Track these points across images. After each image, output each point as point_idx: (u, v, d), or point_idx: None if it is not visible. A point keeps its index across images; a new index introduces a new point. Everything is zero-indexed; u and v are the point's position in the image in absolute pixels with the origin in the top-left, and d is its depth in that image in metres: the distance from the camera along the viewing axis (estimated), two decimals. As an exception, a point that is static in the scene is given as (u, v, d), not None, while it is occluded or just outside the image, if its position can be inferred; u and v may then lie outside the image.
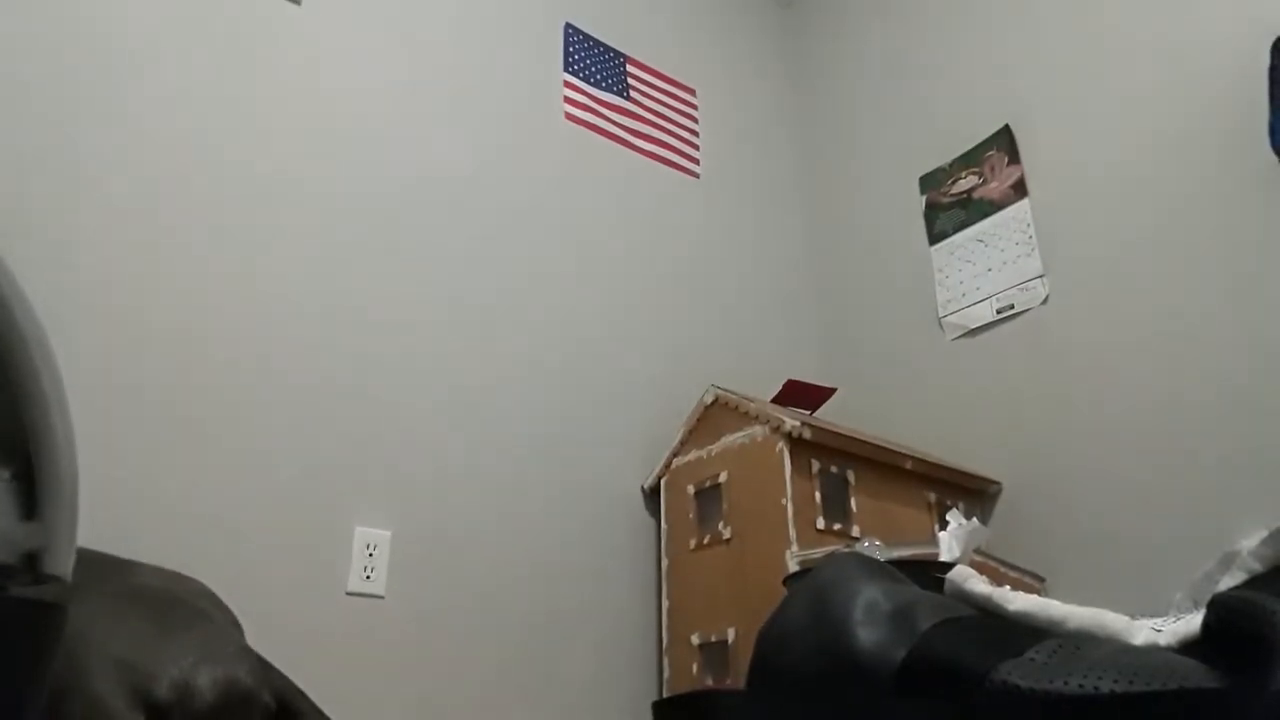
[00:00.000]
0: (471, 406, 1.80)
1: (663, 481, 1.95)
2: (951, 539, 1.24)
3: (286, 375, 1.57)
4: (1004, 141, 2.21)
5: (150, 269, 1.49)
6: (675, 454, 1.93)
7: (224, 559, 1.40)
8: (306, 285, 1.66)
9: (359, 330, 1.70)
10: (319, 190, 1.74)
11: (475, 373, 1.83)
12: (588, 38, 2.37)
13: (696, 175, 2.48)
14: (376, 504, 1.60)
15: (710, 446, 1.84)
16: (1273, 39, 1.60)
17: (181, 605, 0.90)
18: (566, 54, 2.31)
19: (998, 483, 1.99)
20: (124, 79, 1.56)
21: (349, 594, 1.51)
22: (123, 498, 1.34)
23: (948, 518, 1.31)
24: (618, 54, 2.43)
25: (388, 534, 1.59)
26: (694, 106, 2.56)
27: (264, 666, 0.88)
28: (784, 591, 1.14)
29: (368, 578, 1.54)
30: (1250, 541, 0.64)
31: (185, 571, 1.09)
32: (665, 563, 1.88)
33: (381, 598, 1.55)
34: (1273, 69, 1.59)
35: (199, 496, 1.42)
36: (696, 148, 2.51)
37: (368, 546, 1.56)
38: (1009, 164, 2.18)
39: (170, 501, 1.39)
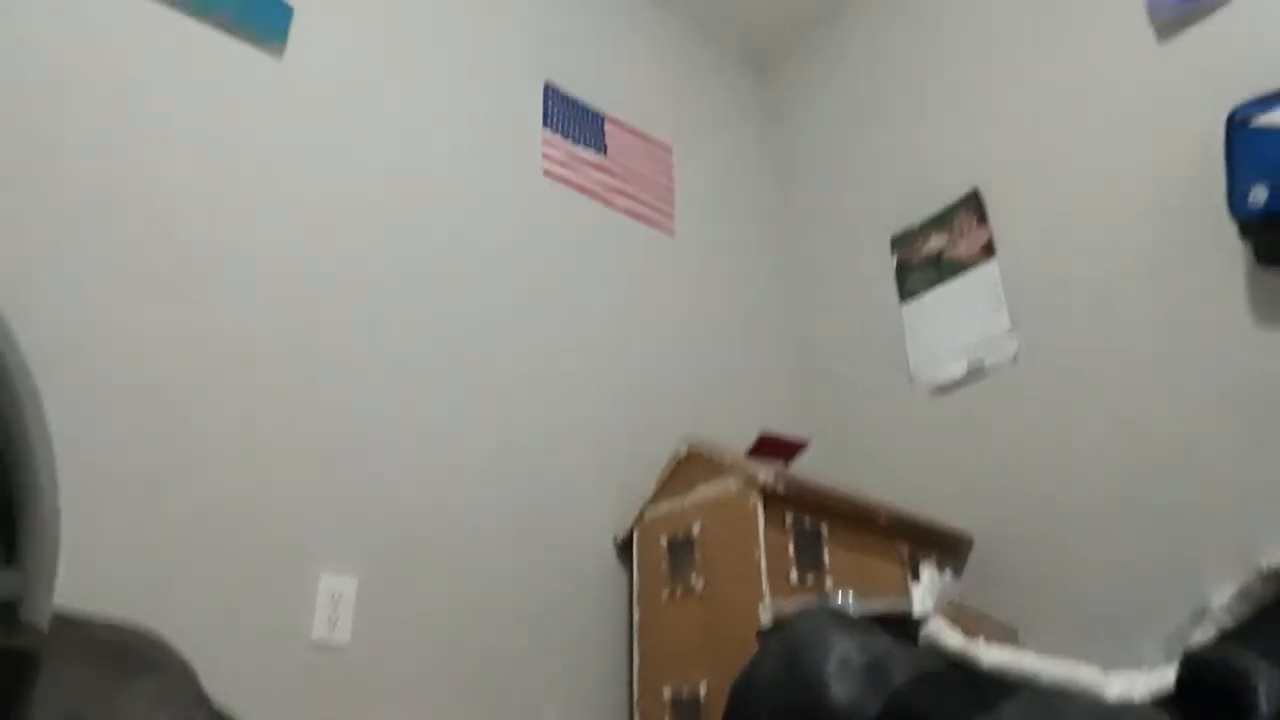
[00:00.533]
0: (441, 456, 1.78)
1: (635, 533, 1.93)
2: (924, 593, 1.24)
3: (251, 422, 1.55)
4: (973, 204, 2.27)
5: (110, 319, 1.47)
6: (648, 505, 1.92)
7: (186, 609, 1.36)
8: (272, 333, 1.64)
9: (326, 379, 1.68)
10: (290, 240, 1.74)
11: (445, 423, 1.82)
12: (565, 97, 2.41)
13: (671, 231, 2.51)
14: (342, 552, 1.58)
15: (683, 498, 1.83)
16: (1228, 112, 1.67)
17: (135, 654, 0.88)
18: (546, 111, 2.35)
19: (970, 537, 2.00)
20: (109, 131, 1.56)
21: (313, 643, 1.48)
22: (84, 549, 1.31)
23: (920, 571, 1.32)
24: (595, 113, 2.47)
25: (354, 581, 1.56)
26: (669, 164, 2.61)
27: (222, 717, 0.86)
28: (757, 645, 1.13)
29: (333, 627, 1.51)
30: (1220, 597, 0.65)
31: (146, 621, 1.07)
32: (637, 614, 1.86)
33: (346, 648, 1.51)
34: (1228, 140, 1.66)
35: (160, 546, 1.39)
36: (672, 204, 2.55)
37: (333, 595, 1.53)
38: (978, 225, 2.24)
39: (131, 551, 1.36)
